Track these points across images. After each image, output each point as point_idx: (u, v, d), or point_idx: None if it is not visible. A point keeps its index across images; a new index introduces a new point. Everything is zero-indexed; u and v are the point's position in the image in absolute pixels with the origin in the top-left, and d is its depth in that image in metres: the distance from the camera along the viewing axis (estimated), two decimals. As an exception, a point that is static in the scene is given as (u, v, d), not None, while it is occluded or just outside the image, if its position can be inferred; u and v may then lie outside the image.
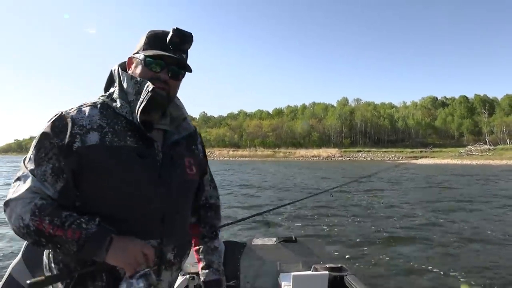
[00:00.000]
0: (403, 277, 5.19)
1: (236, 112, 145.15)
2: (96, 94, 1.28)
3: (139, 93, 1.18)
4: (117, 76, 1.24)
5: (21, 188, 1.06)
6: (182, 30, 1.20)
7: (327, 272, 2.61)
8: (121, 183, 1.12)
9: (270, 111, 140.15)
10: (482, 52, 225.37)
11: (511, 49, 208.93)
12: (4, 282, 1.98)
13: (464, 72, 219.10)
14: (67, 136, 1.09)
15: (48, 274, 1.17)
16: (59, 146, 1.09)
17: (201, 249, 1.43)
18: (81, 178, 1.11)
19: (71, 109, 1.15)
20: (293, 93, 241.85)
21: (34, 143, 1.12)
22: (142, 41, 1.24)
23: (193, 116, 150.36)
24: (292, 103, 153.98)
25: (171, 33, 1.18)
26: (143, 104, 1.16)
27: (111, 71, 1.28)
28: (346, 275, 2.73)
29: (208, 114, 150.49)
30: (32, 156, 1.09)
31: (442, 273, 5.47)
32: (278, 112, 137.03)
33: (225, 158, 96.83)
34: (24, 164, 1.11)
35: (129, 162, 1.14)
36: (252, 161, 76.10)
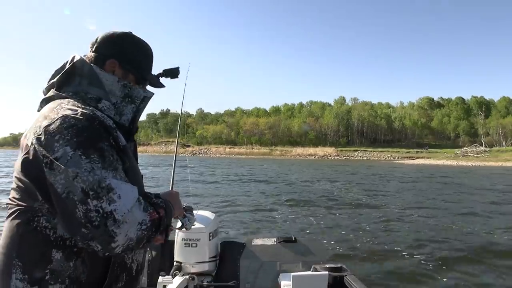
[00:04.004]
0: (404, 277, 5.18)
1: (233, 109, 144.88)
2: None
3: (128, 96, 1.22)
4: (89, 73, 1.19)
5: (125, 197, 0.97)
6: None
7: (327, 272, 2.60)
8: (139, 181, 1.20)
9: (267, 109, 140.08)
10: (479, 53, 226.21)
11: (508, 51, 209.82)
12: None
13: (460, 73, 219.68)
14: (112, 137, 1.07)
15: None
16: (114, 147, 1.06)
17: None
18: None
19: (87, 109, 1.08)
20: (290, 91, 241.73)
21: (87, 149, 0.98)
22: (130, 51, 1.27)
23: (190, 113, 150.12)
24: (290, 101, 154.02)
25: (176, 67, 1.40)
26: (141, 113, 1.29)
27: (76, 64, 1.20)
28: (346, 275, 2.73)
29: (205, 111, 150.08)
30: (100, 164, 0.98)
31: (444, 270, 5.47)
32: (275, 110, 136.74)
33: (222, 156, 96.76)
34: (98, 175, 0.96)
35: (135, 162, 1.22)
36: (249, 159, 76.10)
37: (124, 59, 1.25)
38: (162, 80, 1.41)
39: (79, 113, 1.03)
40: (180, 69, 1.43)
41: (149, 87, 1.36)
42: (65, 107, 1.07)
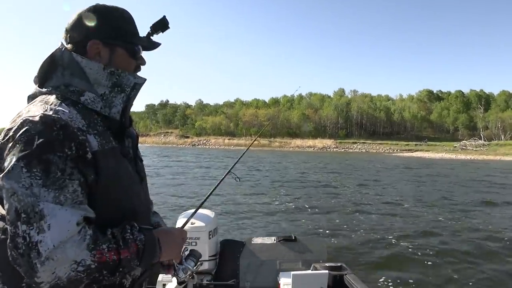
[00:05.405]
0: (404, 275, 5.18)
1: (233, 101, 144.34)
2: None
3: (117, 85, 1.07)
4: (69, 62, 1.05)
5: (55, 229, 0.82)
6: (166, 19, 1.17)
7: (327, 271, 2.60)
8: (127, 187, 1.05)
9: (267, 100, 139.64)
10: (479, 47, 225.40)
11: (509, 45, 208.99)
12: None
13: (460, 66, 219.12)
14: (76, 143, 0.91)
15: None
16: (72, 157, 0.90)
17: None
18: (95, 189, 0.95)
19: (53, 109, 0.93)
20: (290, 83, 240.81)
21: (31, 161, 0.85)
22: (106, 22, 1.08)
23: (189, 103, 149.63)
24: (289, 93, 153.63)
25: (161, 17, 1.16)
26: (132, 102, 1.12)
27: (55, 54, 1.06)
28: (345, 274, 2.73)
29: (204, 102, 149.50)
30: (41, 181, 0.84)
31: (443, 268, 5.48)
32: (275, 102, 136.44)
33: (221, 147, 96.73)
34: (34, 195, 0.83)
35: (123, 163, 1.06)
36: (248, 150, 75.85)
37: (104, 33, 1.08)
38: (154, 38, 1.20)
39: (38, 116, 0.90)
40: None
41: (141, 73, 1.19)
42: (33, 108, 0.95)
